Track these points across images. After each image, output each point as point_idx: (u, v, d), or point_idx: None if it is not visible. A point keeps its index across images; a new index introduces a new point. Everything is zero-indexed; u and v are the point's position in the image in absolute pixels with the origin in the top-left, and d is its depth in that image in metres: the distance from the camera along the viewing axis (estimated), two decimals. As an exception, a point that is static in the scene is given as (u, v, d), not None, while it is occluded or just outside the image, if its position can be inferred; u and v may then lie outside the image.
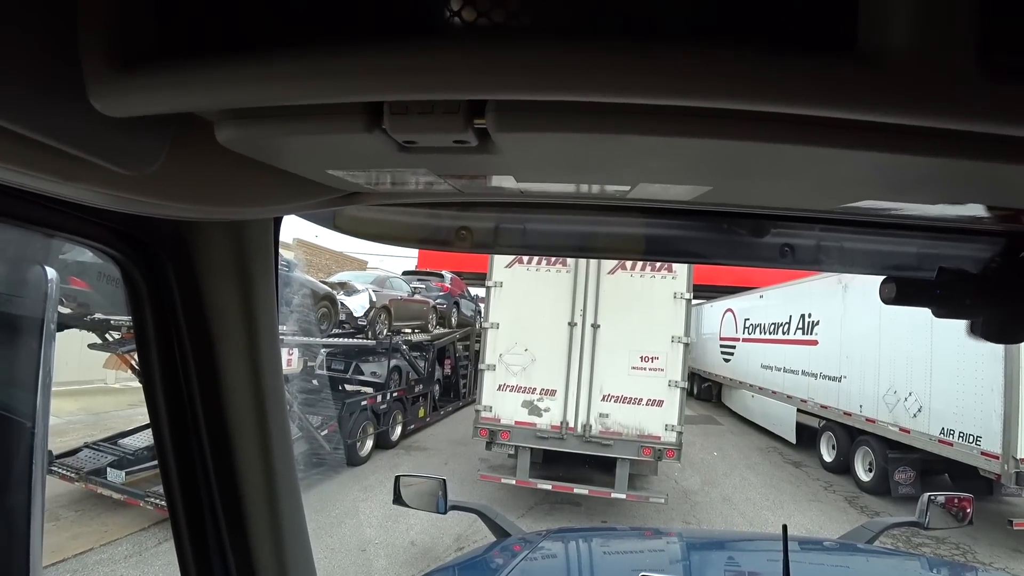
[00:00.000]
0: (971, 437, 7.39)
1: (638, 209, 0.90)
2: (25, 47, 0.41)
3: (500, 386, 7.54)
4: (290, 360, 7.67)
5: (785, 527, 1.68)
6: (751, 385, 14.40)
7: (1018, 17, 0.35)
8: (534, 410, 7.43)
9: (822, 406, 10.79)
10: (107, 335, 6.42)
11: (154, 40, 0.43)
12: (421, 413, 11.68)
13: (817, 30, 0.37)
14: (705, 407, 17.70)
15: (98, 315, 6.12)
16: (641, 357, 7.25)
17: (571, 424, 7.31)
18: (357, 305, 9.65)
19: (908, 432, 8.44)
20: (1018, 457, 6.81)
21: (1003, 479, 6.98)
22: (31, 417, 0.98)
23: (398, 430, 10.50)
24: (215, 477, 1.03)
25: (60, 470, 6.33)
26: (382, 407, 9.80)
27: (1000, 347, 6.96)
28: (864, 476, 9.41)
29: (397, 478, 2.59)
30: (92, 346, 6.59)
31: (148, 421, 1.02)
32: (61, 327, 5.85)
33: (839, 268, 1.02)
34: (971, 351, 7.36)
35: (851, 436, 9.92)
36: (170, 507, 1.04)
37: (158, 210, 0.67)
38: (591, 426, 7.26)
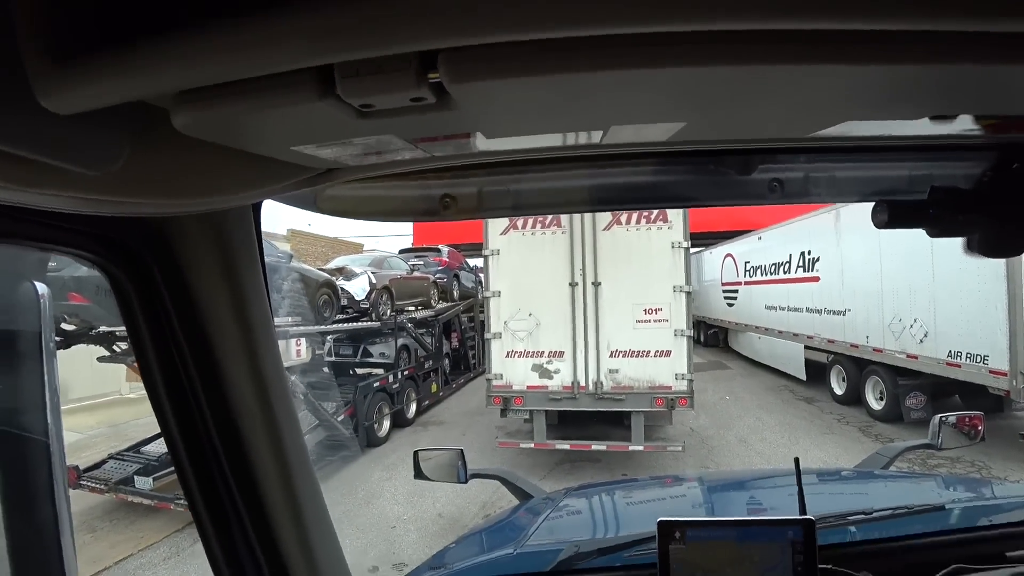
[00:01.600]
0: (978, 357, 7.45)
1: (621, 156, 0.88)
2: None
3: (508, 353, 7.58)
4: (299, 351, 7.70)
5: (797, 459, 1.70)
6: (756, 327, 14.46)
7: None
8: (544, 373, 7.49)
9: (829, 340, 10.86)
10: (114, 347, 6.45)
11: (94, 29, 0.41)
12: (434, 388, 11.82)
13: None
14: (713, 353, 17.85)
15: (102, 328, 6.13)
16: (645, 310, 7.25)
17: (582, 383, 7.38)
18: (357, 288, 9.66)
19: (916, 358, 8.52)
20: (1026, 372, 6.88)
21: (1012, 395, 7.07)
22: (44, 433, 0.98)
23: (413, 407, 10.64)
24: (230, 470, 1.04)
25: (89, 483, 6.46)
26: (395, 386, 9.90)
27: (1001, 265, 6.95)
28: (876, 405, 9.56)
29: (416, 453, 2.62)
30: (101, 359, 6.62)
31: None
32: (67, 344, 5.87)
33: (830, 197, 1.00)
34: (972, 272, 7.38)
35: (860, 367, 10.02)
36: (191, 507, 1.05)
37: (131, 208, 0.66)
38: (602, 383, 7.33)
